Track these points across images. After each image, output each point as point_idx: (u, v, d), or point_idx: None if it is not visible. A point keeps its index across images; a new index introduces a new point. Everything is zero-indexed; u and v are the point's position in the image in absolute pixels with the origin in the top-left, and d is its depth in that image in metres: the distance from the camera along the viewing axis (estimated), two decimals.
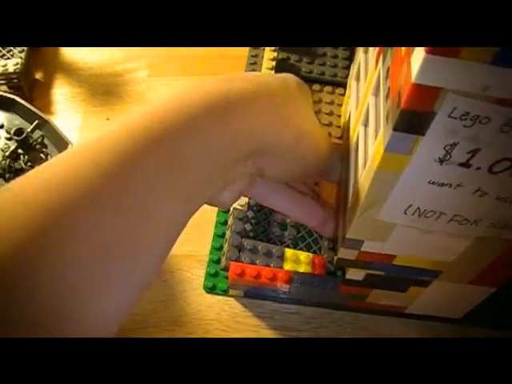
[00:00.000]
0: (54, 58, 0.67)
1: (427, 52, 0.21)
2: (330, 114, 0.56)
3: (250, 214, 0.51)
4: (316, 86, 0.58)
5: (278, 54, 0.57)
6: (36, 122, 0.46)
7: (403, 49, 0.25)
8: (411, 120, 0.25)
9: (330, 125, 0.56)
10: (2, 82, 0.60)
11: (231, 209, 0.51)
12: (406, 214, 0.32)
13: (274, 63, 0.56)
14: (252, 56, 0.64)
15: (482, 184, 0.29)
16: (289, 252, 0.49)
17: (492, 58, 0.21)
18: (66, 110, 0.62)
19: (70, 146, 0.48)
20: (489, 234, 0.34)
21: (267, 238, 0.50)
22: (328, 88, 0.58)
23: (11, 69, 0.59)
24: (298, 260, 0.48)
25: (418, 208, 0.31)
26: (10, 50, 0.62)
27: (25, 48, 0.62)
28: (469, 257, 0.37)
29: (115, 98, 0.63)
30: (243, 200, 0.51)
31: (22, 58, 0.61)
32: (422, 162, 0.27)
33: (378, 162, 0.28)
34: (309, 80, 0.59)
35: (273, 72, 0.56)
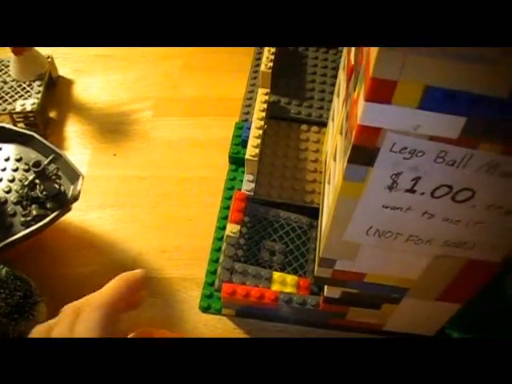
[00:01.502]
0: (66, 98, 0.73)
1: (366, 100, 0.27)
2: (317, 151, 0.62)
3: (242, 240, 0.56)
4: (304, 127, 0.65)
5: (269, 97, 0.64)
6: (51, 155, 0.52)
7: (355, 94, 0.31)
8: (361, 154, 0.31)
9: (316, 161, 0.61)
10: (20, 119, 0.66)
11: (225, 236, 0.57)
12: (367, 234, 0.37)
13: (265, 105, 0.62)
14: (247, 99, 0.70)
15: (428, 207, 0.34)
16: (276, 275, 0.54)
17: (419, 103, 0.27)
18: (77, 145, 0.68)
19: (80, 177, 0.54)
20: (444, 253, 0.39)
21: (257, 263, 0.56)
22: (315, 128, 0.64)
23: (29, 108, 0.66)
24: (284, 282, 0.54)
25: (378, 229, 0.37)
26: (28, 91, 0.68)
27: (41, 89, 0.68)
28: (431, 274, 0.42)
29: (122, 135, 0.69)
30: (235, 227, 0.56)
31: (38, 98, 0.67)
32: (375, 189, 0.33)
33: (339, 189, 0.34)
34: (298, 121, 0.65)
35: (264, 114, 0.61)
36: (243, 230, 0.57)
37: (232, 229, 0.56)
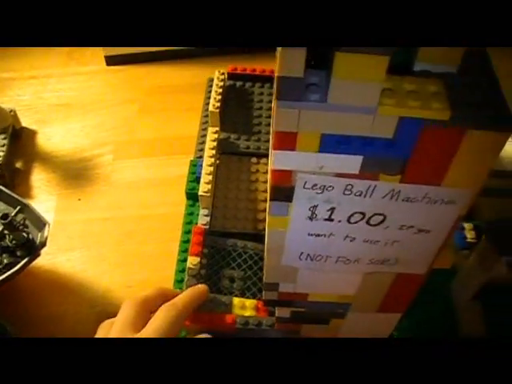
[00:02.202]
0: (31, 149, 0.77)
1: (274, 149, 0.32)
2: (266, 181, 0.67)
3: (203, 271, 0.61)
4: (254, 159, 0.69)
5: (219, 135, 0.68)
6: (18, 207, 0.56)
7: (272, 141, 0.36)
8: (280, 192, 0.35)
9: (266, 191, 0.66)
10: None
11: (186, 268, 0.61)
12: (301, 259, 0.42)
13: (215, 143, 0.67)
14: (201, 136, 0.75)
15: (348, 232, 0.39)
16: (236, 300, 0.58)
17: (318, 148, 0.32)
18: (44, 193, 0.72)
19: (47, 225, 0.58)
20: (373, 270, 0.44)
21: (218, 291, 0.60)
22: (264, 160, 0.69)
23: None
24: (244, 306, 0.58)
25: (308, 254, 0.42)
26: None
27: (6, 142, 0.72)
28: (367, 289, 0.47)
29: (85, 180, 0.73)
30: (196, 260, 0.60)
31: (3, 150, 0.71)
32: (298, 221, 0.38)
33: (268, 223, 0.38)
34: (247, 154, 0.70)
35: (214, 151, 0.66)
36: (203, 261, 0.61)
37: (192, 261, 0.60)
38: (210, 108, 0.68)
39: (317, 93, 0.29)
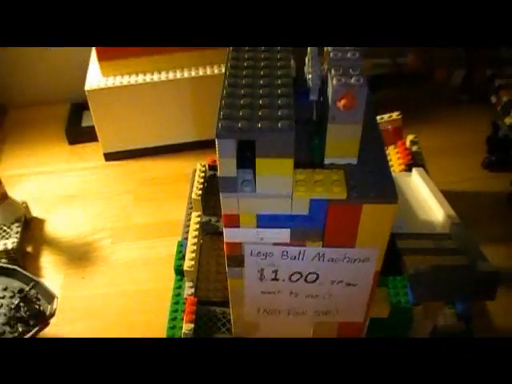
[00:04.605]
0: (40, 235, 0.89)
1: (224, 227, 0.44)
2: None
3: (196, 335, 0.71)
4: None
5: (201, 218, 0.80)
6: (32, 283, 0.67)
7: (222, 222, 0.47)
8: (234, 260, 0.47)
9: None
10: (3, 256, 0.81)
11: (182, 334, 0.71)
12: (259, 313, 0.53)
13: (198, 225, 0.78)
14: (187, 220, 0.86)
15: (291, 289, 0.50)
16: None
17: (256, 225, 0.44)
18: (51, 272, 0.83)
19: (55, 298, 0.69)
20: (319, 320, 0.54)
21: None
22: None
23: (10, 246, 0.81)
24: None
25: (265, 309, 0.52)
26: (8, 232, 0.84)
27: (19, 230, 0.84)
28: (320, 334, 0.56)
29: (87, 261, 0.84)
30: (190, 326, 0.70)
31: (17, 237, 0.83)
32: (251, 281, 0.49)
33: (229, 284, 0.50)
34: None
35: (197, 232, 0.77)
36: (196, 327, 0.70)
37: (187, 327, 0.70)
38: (193, 196, 0.80)
39: (249, 186, 0.41)
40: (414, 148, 0.84)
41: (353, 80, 0.40)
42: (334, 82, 0.40)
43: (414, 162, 0.80)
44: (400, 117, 0.84)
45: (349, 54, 0.43)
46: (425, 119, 1.07)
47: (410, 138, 0.85)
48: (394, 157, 0.83)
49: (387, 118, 0.85)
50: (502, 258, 0.78)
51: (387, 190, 0.43)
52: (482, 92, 1.09)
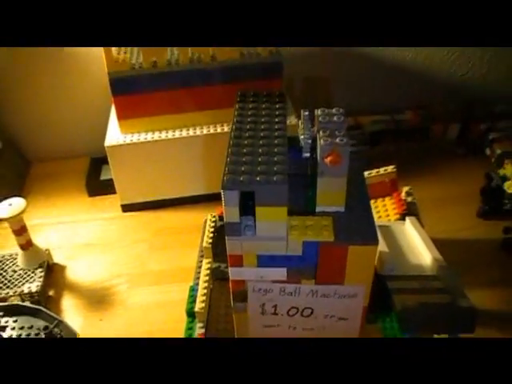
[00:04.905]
0: (61, 280, 0.95)
1: (230, 266, 0.50)
2: None
3: None
4: None
5: (211, 265, 0.86)
6: (55, 321, 0.74)
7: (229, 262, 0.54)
8: (238, 295, 0.53)
9: None
10: (28, 298, 0.88)
11: None
12: None
13: (208, 271, 0.85)
14: (198, 267, 0.93)
15: (290, 322, 0.56)
16: None
17: (257, 264, 0.50)
18: (72, 315, 0.89)
19: (77, 335, 0.75)
20: None
21: None
22: None
23: (34, 289, 0.87)
24: None
25: None
26: (32, 277, 0.90)
27: (42, 274, 0.90)
28: None
29: (105, 304, 0.91)
30: None
31: (40, 281, 0.89)
32: (254, 315, 0.55)
33: (234, 318, 0.56)
34: None
35: (208, 277, 0.84)
36: None
37: None
38: (204, 244, 0.87)
39: (250, 230, 0.48)
40: (409, 199, 0.90)
41: (337, 140, 0.47)
42: (322, 141, 0.47)
43: (409, 211, 0.86)
44: (395, 170, 0.91)
45: (335, 118, 0.50)
46: (422, 172, 1.14)
47: (405, 189, 0.91)
48: (390, 207, 0.89)
49: (383, 172, 0.92)
50: (497, 300, 0.84)
51: (369, 234, 0.50)
52: (477, 145, 1.16)
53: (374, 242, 0.49)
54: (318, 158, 0.48)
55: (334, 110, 0.51)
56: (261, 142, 0.51)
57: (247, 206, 0.48)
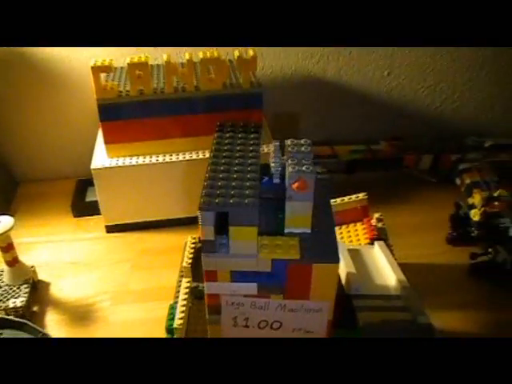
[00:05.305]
0: (46, 296, 0.98)
1: (205, 281, 0.55)
2: None
3: None
4: None
5: (191, 284, 0.90)
6: (40, 334, 0.78)
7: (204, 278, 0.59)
8: (213, 309, 0.58)
9: None
10: (12, 313, 0.91)
11: None
12: None
13: (187, 290, 0.89)
14: (178, 286, 0.97)
15: (260, 335, 0.61)
16: None
17: (230, 280, 0.55)
18: (56, 330, 0.91)
19: None
20: None
21: None
22: None
23: (19, 305, 0.91)
24: None
25: None
26: (18, 293, 0.94)
27: (27, 290, 0.94)
28: None
29: (88, 321, 0.94)
30: None
31: (25, 297, 0.93)
32: (226, 327, 0.60)
33: (208, 330, 0.61)
34: None
35: (187, 296, 0.88)
36: None
37: None
38: (184, 264, 0.91)
39: (224, 248, 0.53)
40: (380, 224, 0.95)
41: (304, 168, 0.53)
42: (290, 169, 0.52)
43: (378, 236, 0.91)
44: (366, 197, 0.96)
45: (303, 148, 0.56)
46: (396, 199, 1.19)
47: (376, 215, 0.96)
48: (361, 232, 0.94)
49: (355, 198, 0.97)
50: (465, 322, 0.89)
51: (331, 254, 0.55)
52: (447, 175, 1.22)
53: (336, 260, 0.54)
54: (287, 184, 0.53)
55: (302, 141, 0.57)
56: (235, 168, 0.56)
57: (222, 226, 0.53)
